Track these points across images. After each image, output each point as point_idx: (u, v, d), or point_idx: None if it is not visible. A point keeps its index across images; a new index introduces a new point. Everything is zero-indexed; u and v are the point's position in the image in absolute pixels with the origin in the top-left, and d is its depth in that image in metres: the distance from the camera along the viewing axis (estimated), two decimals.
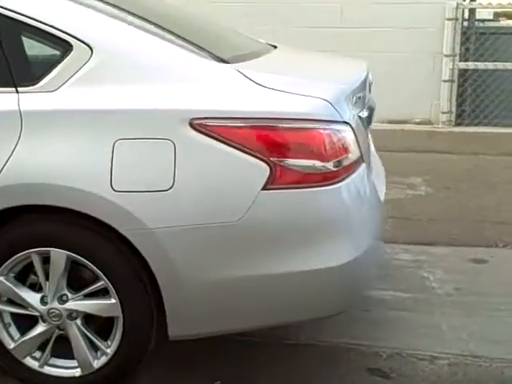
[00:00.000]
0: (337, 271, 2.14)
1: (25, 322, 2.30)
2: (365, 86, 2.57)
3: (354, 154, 2.21)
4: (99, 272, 2.16)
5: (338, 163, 2.12)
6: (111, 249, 2.13)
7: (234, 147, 2.04)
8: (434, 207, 4.54)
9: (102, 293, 2.21)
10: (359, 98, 2.41)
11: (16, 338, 2.31)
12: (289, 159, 2.06)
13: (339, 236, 2.15)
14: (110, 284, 2.17)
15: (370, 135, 2.71)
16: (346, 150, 2.15)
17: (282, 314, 2.24)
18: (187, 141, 2.04)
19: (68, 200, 2.08)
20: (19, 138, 2.11)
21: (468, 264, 3.61)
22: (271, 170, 2.04)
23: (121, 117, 2.09)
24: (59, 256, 2.17)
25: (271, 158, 2.05)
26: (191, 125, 2.04)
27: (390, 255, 3.69)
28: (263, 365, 2.60)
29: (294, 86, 2.16)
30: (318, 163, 2.07)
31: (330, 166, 2.09)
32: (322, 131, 2.08)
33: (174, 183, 2.04)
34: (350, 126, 2.20)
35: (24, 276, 2.28)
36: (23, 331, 2.31)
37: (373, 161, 2.66)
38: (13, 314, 2.31)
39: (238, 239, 2.09)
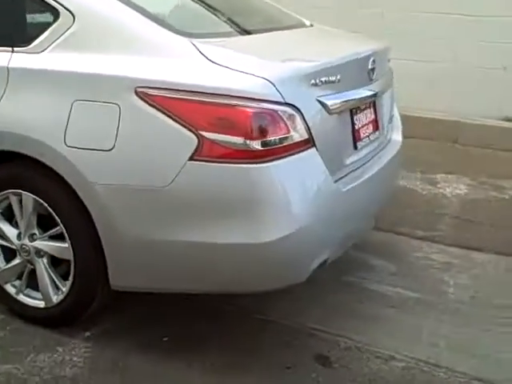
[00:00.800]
0: (262, 247, 2.18)
1: (8, 253, 2.64)
2: (345, 68, 2.51)
3: (294, 137, 2.20)
4: (56, 217, 2.42)
5: (269, 143, 2.14)
6: (65, 197, 2.37)
7: (170, 117, 2.16)
8: (508, 213, 4.20)
9: (62, 237, 2.47)
10: (329, 81, 2.36)
11: (2, 265, 2.66)
12: (216, 134, 2.13)
13: (264, 214, 2.17)
14: (64, 229, 2.42)
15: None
16: (280, 131, 2.16)
17: (210, 283, 2.32)
18: (131, 107, 2.20)
19: (30, 148, 2.35)
20: (4, 91, 2.42)
21: (501, 275, 3.34)
22: (199, 142, 2.13)
23: (80, 80, 2.30)
24: (27, 198, 2.46)
25: (199, 131, 2.13)
26: (136, 92, 2.19)
27: (423, 253, 3.53)
28: (216, 329, 2.69)
29: (241, 64, 2.21)
30: (243, 140, 2.11)
31: (255, 144, 2.12)
32: (249, 109, 2.11)
33: (115, 145, 2.21)
34: (296, 107, 2.20)
35: (9, 213, 2.61)
36: (7, 261, 2.65)
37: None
38: (1, 246, 2.66)
39: (166, 204, 2.21)
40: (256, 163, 2.13)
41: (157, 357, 2.48)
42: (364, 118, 2.75)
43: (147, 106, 2.18)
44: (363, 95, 2.64)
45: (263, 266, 2.25)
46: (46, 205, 2.43)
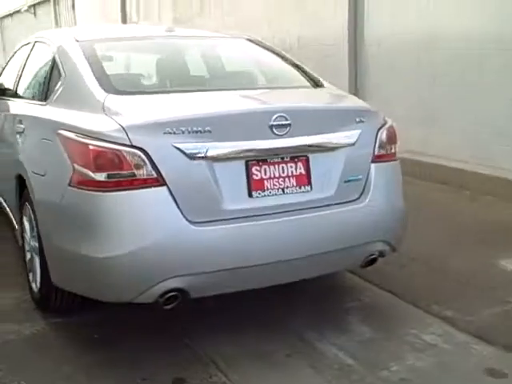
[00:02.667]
0: (100, 262, 2.67)
1: None
2: (221, 122, 2.81)
3: (138, 174, 2.64)
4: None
5: (113, 176, 2.63)
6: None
7: (65, 152, 2.84)
8: None
9: None
10: (193, 131, 2.71)
11: None
12: (78, 166, 2.73)
13: (102, 233, 2.66)
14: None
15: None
16: (123, 167, 2.63)
17: (88, 289, 2.87)
18: (53, 143, 2.96)
19: None
20: None
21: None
22: (73, 172, 2.76)
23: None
24: None
25: (73, 163, 2.76)
26: (56, 133, 2.94)
27: (422, 331, 3.26)
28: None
29: (119, 115, 2.77)
30: (89, 172, 2.66)
31: (99, 176, 2.64)
32: (93, 148, 2.66)
33: (46, 170, 3.01)
34: (143, 150, 2.64)
35: None
36: None
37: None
38: None
39: (59, 216, 2.89)
40: (100, 191, 2.65)
41: None
42: (276, 171, 2.90)
43: (59, 143, 2.89)
44: (256, 147, 2.83)
45: (104, 277, 2.70)
46: None
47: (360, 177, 3.13)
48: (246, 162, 2.84)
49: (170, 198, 2.67)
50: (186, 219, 2.70)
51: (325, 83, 3.63)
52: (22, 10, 23.90)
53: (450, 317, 3.39)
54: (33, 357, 2.98)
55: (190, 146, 2.71)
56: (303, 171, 2.98)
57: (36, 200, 3.10)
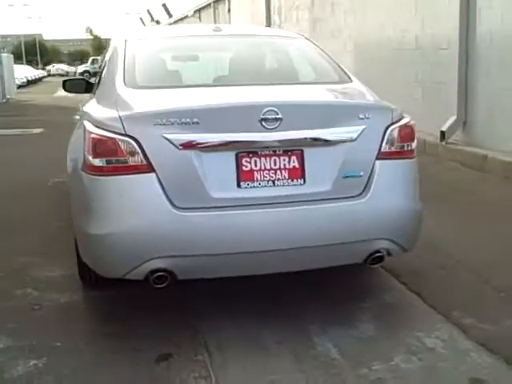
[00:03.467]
0: (95, 238, 2.98)
1: None
2: (209, 114, 2.98)
3: (130, 161, 2.90)
4: None
5: (110, 162, 2.92)
6: None
7: (83, 139, 3.17)
8: None
9: None
10: (182, 122, 2.90)
11: None
12: (85, 151, 3.05)
13: (98, 213, 2.96)
14: None
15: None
16: (117, 154, 2.90)
17: (93, 265, 3.20)
18: (81, 129, 3.31)
19: None
20: None
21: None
22: (84, 158, 3.09)
23: None
24: None
25: (84, 150, 3.09)
26: (83, 123, 3.30)
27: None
28: None
29: (126, 106, 3.05)
30: (89, 158, 2.98)
31: (98, 162, 2.94)
32: (94, 135, 2.96)
33: (74, 156, 3.38)
34: (135, 139, 2.90)
35: None
36: None
37: None
38: None
39: (75, 197, 3.25)
40: (97, 175, 2.95)
41: None
42: (267, 163, 3.00)
43: (82, 132, 3.23)
44: (244, 140, 2.95)
45: (99, 253, 3.00)
46: None
47: (361, 173, 3.12)
48: (236, 154, 2.98)
49: (157, 184, 2.89)
50: (173, 204, 2.90)
51: (353, 79, 3.63)
52: (189, 15, 25.52)
53: (465, 324, 3.25)
54: (53, 323, 3.35)
55: (178, 137, 2.90)
56: (297, 165, 3.05)
57: (67, 182, 3.48)
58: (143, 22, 44.74)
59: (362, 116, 3.11)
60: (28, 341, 3.12)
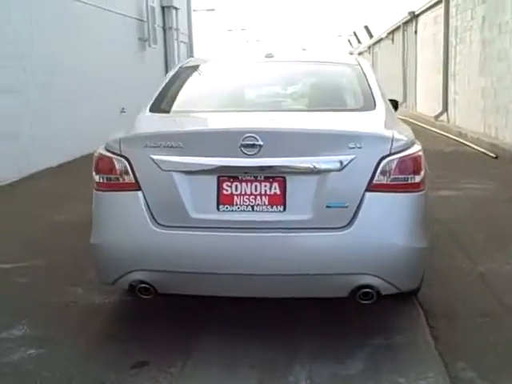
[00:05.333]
0: (91, 247, 3.27)
1: None
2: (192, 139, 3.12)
3: (121, 179, 3.15)
4: None
5: (108, 179, 3.20)
6: None
7: None
8: None
9: None
10: (167, 145, 3.07)
11: None
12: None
13: (94, 224, 3.25)
14: None
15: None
16: (113, 172, 3.16)
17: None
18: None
19: None
20: None
21: None
22: None
23: None
24: None
25: None
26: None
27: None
28: None
29: (130, 129, 3.33)
30: (94, 175, 3.28)
31: (99, 178, 3.22)
32: (97, 154, 3.25)
33: None
34: (127, 159, 3.15)
35: None
36: None
37: None
38: None
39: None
40: (97, 190, 3.24)
41: None
42: (248, 188, 3.05)
43: None
44: (224, 165, 3.03)
45: (94, 260, 3.29)
46: None
47: (347, 204, 3.01)
48: (218, 178, 3.07)
49: (142, 201, 3.09)
50: (155, 221, 3.08)
51: (379, 107, 3.50)
52: (383, 37, 25.45)
53: (462, 377, 2.97)
54: (70, 320, 3.69)
55: (163, 159, 3.08)
56: (278, 191, 3.05)
57: None
58: (351, 44, 45.39)
59: (351, 145, 3.01)
60: (38, 331, 3.51)
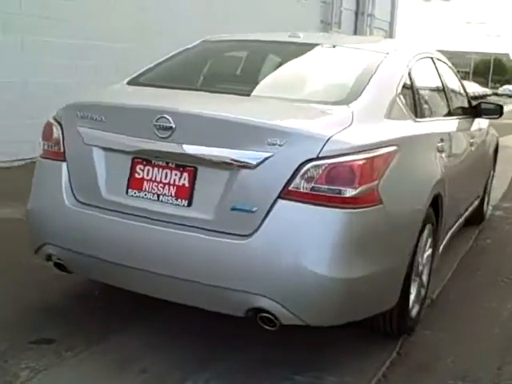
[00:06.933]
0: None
1: None
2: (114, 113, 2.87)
3: (54, 147, 3.01)
4: None
5: (48, 146, 3.10)
6: None
7: None
8: None
9: None
10: (92, 118, 2.86)
11: None
12: None
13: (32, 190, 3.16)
14: None
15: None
16: (51, 139, 3.03)
17: None
18: None
19: None
20: None
21: None
22: None
23: None
24: None
25: None
26: None
27: None
28: None
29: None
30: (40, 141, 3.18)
31: (45, 145, 3.11)
32: (46, 121, 3.14)
33: None
34: (61, 127, 3.00)
35: None
36: None
37: None
38: None
39: None
40: (40, 157, 3.15)
41: None
42: (159, 176, 2.72)
43: None
44: (137, 145, 2.74)
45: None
46: None
47: (254, 209, 2.54)
48: (133, 159, 2.79)
49: (65, 174, 2.92)
50: (74, 197, 2.91)
51: (359, 101, 2.88)
52: None
53: None
54: (85, 310, 3.34)
55: (86, 131, 2.88)
56: (186, 183, 2.68)
57: None
58: None
59: (271, 141, 2.53)
60: (43, 316, 3.26)
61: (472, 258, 4.78)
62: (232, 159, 2.57)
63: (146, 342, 3.03)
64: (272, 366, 2.88)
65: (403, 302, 3.07)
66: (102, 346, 2.98)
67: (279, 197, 2.52)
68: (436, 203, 3.38)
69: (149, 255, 2.71)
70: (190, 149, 2.65)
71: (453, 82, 4.52)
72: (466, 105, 4.78)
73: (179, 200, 2.69)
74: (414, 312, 3.31)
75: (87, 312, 3.32)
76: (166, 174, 2.73)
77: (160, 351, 2.96)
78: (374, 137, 2.72)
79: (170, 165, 2.72)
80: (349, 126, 2.66)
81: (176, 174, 2.71)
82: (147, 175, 2.76)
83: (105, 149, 2.85)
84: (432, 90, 4.03)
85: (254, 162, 2.54)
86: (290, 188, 2.51)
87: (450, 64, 4.59)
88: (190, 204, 2.67)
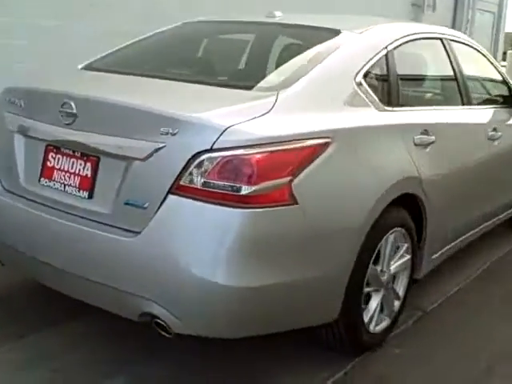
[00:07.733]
0: None
1: None
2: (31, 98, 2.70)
3: None
4: None
5: None
6: None
7: None
8: None
9: None
10: (14, 102, 2.75)
11: None
12: None
13: None
14: None
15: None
16: None
17: None
18: None
19: None
20: None
21: None
22: None
23: None
24: None
25: None
26: None
27: None
28: None
29: None
30: None
31: None
32: None
33: None
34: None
35: None
36: None
37: None
38: None
39: None
40: None
41: None
42: (66, 165, 2.55)
43: None
44: (45, 132, 2.59)
45: None
46: None
47: (146, 205, 2.30)
48: (46, 146, 2.64)
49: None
50: (1, 184, 2.82)
51: (292, 88, 2.52)
52: None
53: None
54: None
55: (9, 116, 2.77)
56: (89, 174, 2.48)
57: None
58: None
59: (163, 130, 2.27)
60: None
61: (496, 270, 4.19)
62: (125, 150, 2.35)
63: (70, 341, 2.89)
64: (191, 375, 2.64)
65: (352, 315, 2.71)
66: (23, 342, 2.86)
67: (170, 192, 2.26)
68: (413, 204, 2.97)
69: (55, 249, 2.56)
70: (91, 137, 2.46)
71: (476, 66, 3.97)
72: (504, 93, 4.22)
73: (81, 191, 2.51)
74: (378, 327, 2.93)
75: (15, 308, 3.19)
76: (73, 163, 2.55)
77: (79, 351, 2.80)
78: (295, 128, 2.37)
79: (76, 154, 2.54)
80: (262, 115, 2.34)
81: (81, 164, 2.53)
82: (57, 164, 2.60)
83: (24, 135, 2.73)
84: (432, 75, 3.54)
85: (145, 153, 2.30)
86: (181, 182, 2.24)
87: (478, 47, 4.03)
88: (91, 196, 2.48)
